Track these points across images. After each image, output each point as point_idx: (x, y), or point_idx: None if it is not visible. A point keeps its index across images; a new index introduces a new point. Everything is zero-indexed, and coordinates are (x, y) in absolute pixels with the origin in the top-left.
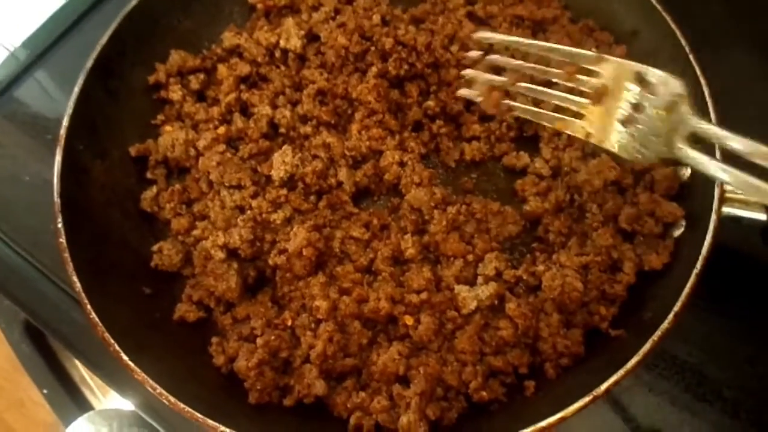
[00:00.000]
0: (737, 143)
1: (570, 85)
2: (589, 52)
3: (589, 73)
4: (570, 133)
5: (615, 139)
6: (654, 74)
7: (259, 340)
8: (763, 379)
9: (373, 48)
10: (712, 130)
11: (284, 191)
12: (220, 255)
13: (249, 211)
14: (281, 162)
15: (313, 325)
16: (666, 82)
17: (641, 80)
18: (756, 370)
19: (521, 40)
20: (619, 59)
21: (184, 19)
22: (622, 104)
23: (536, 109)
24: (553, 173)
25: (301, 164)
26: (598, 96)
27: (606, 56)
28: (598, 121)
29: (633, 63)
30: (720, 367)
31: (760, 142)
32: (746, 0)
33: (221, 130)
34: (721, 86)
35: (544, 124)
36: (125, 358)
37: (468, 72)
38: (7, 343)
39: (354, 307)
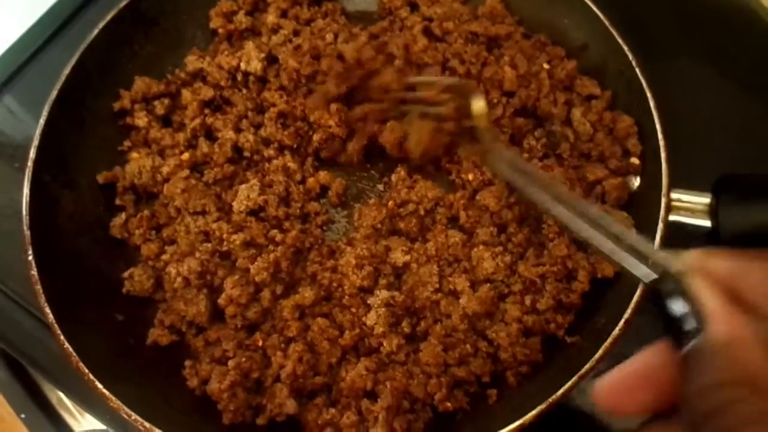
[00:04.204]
0: None
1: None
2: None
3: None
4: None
5: None
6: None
7: (230, 362)
8: None
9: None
10: None
11: (250, 218)
12: (180, 282)
13: (207, 244)
14: (245, 197)
15: (283, 345)
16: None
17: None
18: None
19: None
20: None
21: (146, 44)
22: None
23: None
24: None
25: (266, 203)
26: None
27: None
28: None
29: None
30: None
31: None
32: (696, 10)
33: (185, 156)
34: (669, 97)
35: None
36: (100, 386)
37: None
38: None
39: (325, 332)
